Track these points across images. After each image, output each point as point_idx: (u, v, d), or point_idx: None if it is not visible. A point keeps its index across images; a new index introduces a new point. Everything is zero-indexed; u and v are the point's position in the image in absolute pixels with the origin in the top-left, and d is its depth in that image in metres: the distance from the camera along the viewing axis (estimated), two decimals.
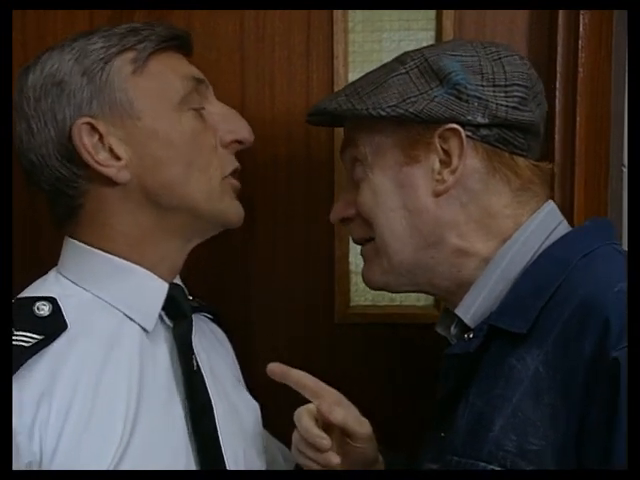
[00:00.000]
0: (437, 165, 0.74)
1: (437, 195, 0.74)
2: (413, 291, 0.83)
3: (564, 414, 0.63)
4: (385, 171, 0.76)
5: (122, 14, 1.10)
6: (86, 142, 0.74)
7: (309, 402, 1.16)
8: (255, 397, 1.00)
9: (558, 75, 1.04)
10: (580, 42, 1.03)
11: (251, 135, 0.83)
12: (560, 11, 1.05)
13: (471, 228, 0.75)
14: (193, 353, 0.80)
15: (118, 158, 0.75)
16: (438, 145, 0.73)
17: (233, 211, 0.83)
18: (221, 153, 0.81)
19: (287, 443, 1.06)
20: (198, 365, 0.80)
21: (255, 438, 0.90)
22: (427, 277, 0.78)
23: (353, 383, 1.18)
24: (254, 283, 1.17)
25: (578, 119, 1.05)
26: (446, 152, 0.74)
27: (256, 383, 1.12)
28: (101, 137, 0.75)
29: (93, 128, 0.74)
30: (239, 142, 0.82)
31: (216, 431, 0.79)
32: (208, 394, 0.80)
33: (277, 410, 1.15)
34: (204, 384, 0.80)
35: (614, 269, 0.68)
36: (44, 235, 1.14)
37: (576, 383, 0.62)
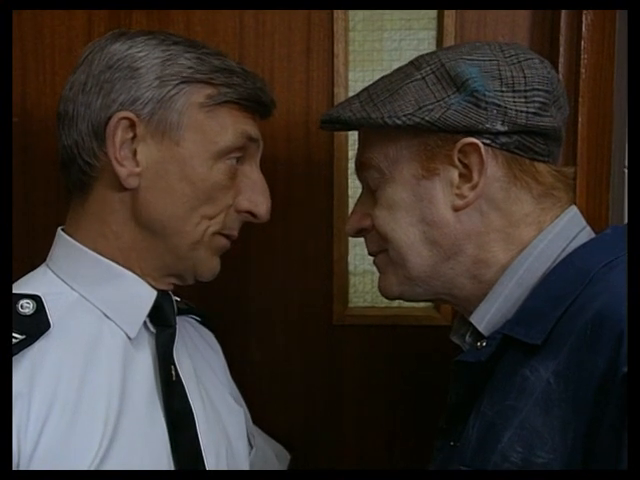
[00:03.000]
0: (456, 179, 0.72)
1: (457, 210, 0.72)
2: (430, 300, 0.82)
3: (573, 428, 0.61)
4: (403, 185, 0.74)
5: (120, 14, 1.08)
6: (118, 134, 0.73)
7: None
8: (252, 397, 1.00)
9: (560, 76, 1.04)
10: (583, 43, 1.03)
11: (267, 214, 0.81)
12: (562, 12, 1.05)
13: (492, 238, 0.73)
14: (173, 363, 0.79)
15: (137, 164, 0.74)
16: (457, 159, 0.71)
17: (208, 267, 0.81)
18: (231, 215, 0.80)
19: (281, 441, 1.07)
20: (178, 375, 0.79)
21: (238, 442, 0.89)
22: (446, 287, 0.76)
23: (351, 385, 1.18)
24: (252, 284, 1.16)
25: (580, 120, 1.05)
26: (466, 166, 0.71)
27: (253, 384, 1.12)
28: (134, 137, 0.74)
29: (132, 126, 0.73)
30: (253, 215, 0.81)
31: (197, 440, 0.78)
32: (189, 403, 0.79)
33: (273, 409, 1.15)
34: (184, 393, 0.79)
35: None
36: (44, 235, 1.11)
37: (587, 397, 0.60)
